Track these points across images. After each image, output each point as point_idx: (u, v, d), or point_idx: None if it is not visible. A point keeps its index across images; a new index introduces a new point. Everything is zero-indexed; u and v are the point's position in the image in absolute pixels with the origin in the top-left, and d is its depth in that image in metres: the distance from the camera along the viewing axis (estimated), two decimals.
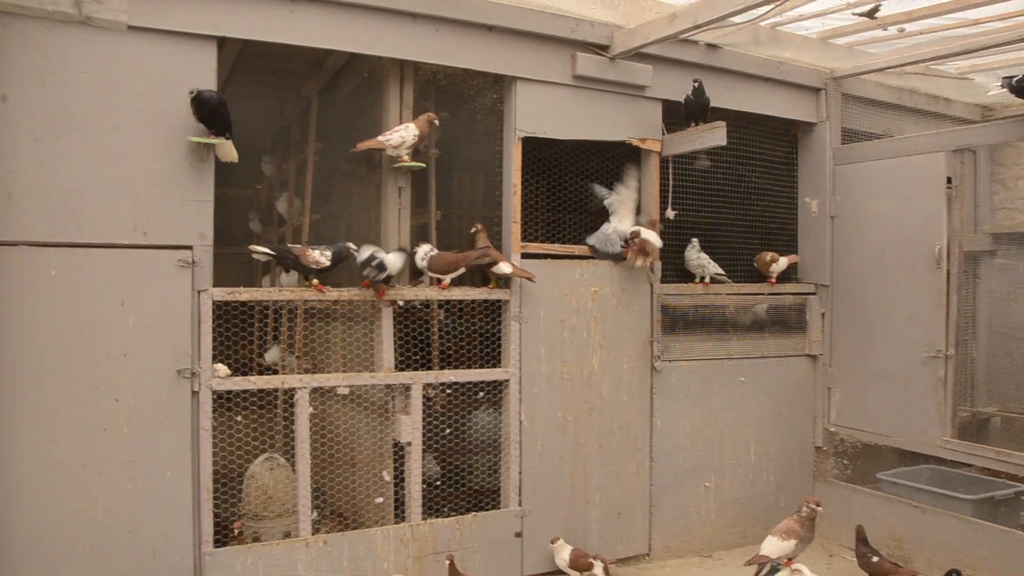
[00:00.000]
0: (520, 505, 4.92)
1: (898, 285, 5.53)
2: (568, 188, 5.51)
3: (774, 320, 6.03)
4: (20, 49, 3.70)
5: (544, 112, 4.95)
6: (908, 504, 5.36)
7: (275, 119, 6.70)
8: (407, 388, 4.61)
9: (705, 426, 5.61)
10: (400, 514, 4.68)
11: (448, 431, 4.98)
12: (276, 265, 5.69)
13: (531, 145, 5.00)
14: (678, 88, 5.25)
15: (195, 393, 4.06)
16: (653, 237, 5.18)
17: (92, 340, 3.84)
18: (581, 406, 5.12)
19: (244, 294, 4.29)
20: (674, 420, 5.48)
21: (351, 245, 4.43)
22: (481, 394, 5.03)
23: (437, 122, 4.66)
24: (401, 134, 4.49)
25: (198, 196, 4.08)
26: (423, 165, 4.78)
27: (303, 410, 4.34)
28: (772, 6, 4.55)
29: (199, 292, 4.07)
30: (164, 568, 3.96)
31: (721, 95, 5.38)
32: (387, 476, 4.70)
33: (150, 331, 3.96)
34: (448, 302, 5.08)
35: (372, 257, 4.35)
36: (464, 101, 5.23)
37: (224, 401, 4.33)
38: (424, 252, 4.75)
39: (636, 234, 5.13)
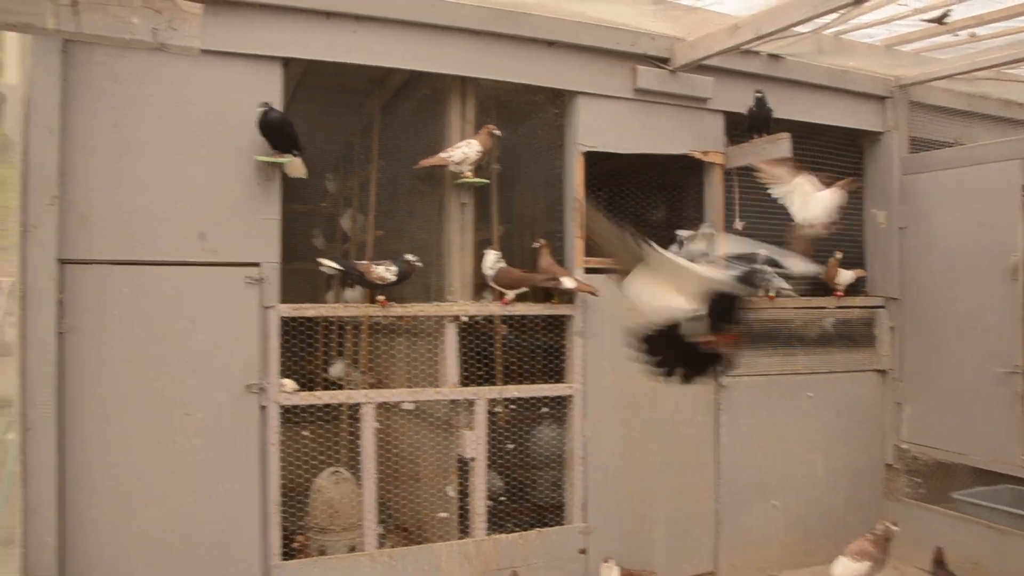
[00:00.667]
0: (584, 521, 4.88)
1: (971, 298, 5.35)
2: (629, 200, 5.48)
3: (841, 334, 5.89)
4: (95, 76, 3.83)
5: (605, 126, 4.94)
6: (987, 525, 5.16)
7: (338, 136, 6.80)
8: (471, 403, 4.61)
9: (771, 442, 5.49)
10: (464, 529, 4.67)
11: (511, 446, 4.97)
12: (341, 280, 5.77)
13: (591, 158, 4.99)
14: (740, 99, 5.19)
15: (263, 408, 4.13)
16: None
17: (162, 356, 3.94)
18: (645, 422, 5.06)
19: (310, 310, 4.36)
20: (740, 436, 5.37)
21: (411, 258, 4.46)
22: (545, 409, 5.01)
23: (497, 132, 4.67)
24: (463, 150, 4.52)
25: (265, 214, 4.16)
26: (486, 181, 4.80)
27: (369, 425, 4.37)
28: (837, 15, 4.48)
29: (266, 308, 4.13)
30: None
31: (784, 105, 5.30)
32: (451, 491, 4.70)
33: (219, 347, 4.04)
34: (511, 317, 5.08)
35: None
36: (525, 116, 5.25)
37: (291, 415, 4.38)
38: (492, 261, 4.74)
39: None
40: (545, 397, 4.90)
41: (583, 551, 4.85)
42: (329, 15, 4.25)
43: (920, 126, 6.03)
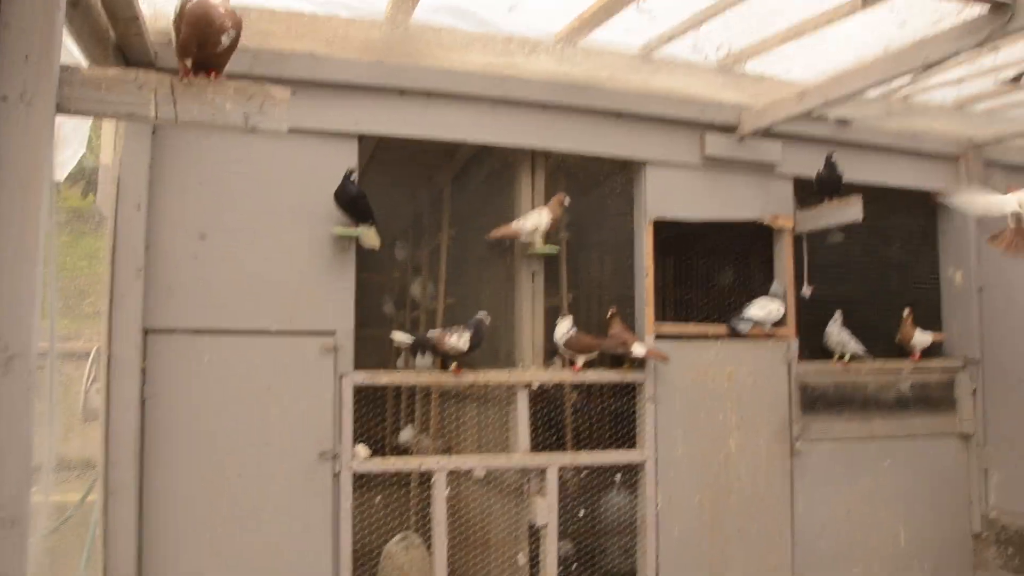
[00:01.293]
0: None
1: None
2: (696, 264, 5.48)
3: (919, 398, 5.72)
4: (181, 154, 4.03)
5: (674, 194, 4.97)
6: None
7: (409, 206, 6.97)
8: (542, 470, 4.61)
9: (849, 510, 5.32)
10: None
11: (582, 512, 4.93)
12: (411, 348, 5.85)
13: (660, 223, 5.02)
14: (808, 164, 5.17)
15: (336, 474, 4.19)
16: None
17: (239, 422, 4.05)
18: (718, 489, 4.98)
19: (384, 378, 4.43)
20: (816, 504, 5.23)
21: (482, 315, 4.53)
22: (617, 476, 4.97)
23: (567, 201, 4.74)
24: (534, 220, 4.60)
25: (341, 283, 4.28)
26: (556, 249, 4.86)
27: (440, 492, 4.40)
28: (908, 79, 4.47)
29: (341, 376, 4.23)
30: None
31: (853, 168, 5.26)
32: (522, 559, 4.68)
33: (294, 414, 4.13)
34: (582, 384, 5.08)
35: None
36: (593, 184, 5.32)
37: (362, 481, 4.43)
38: (564, 329, 4.77)
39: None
40: (616, 464, 4.87)
41: None
42: (403, 92, 4.42)
43: (996, 184, 5.91)
